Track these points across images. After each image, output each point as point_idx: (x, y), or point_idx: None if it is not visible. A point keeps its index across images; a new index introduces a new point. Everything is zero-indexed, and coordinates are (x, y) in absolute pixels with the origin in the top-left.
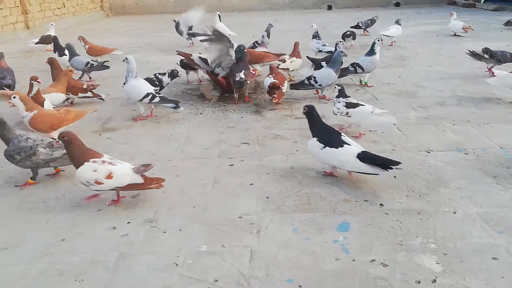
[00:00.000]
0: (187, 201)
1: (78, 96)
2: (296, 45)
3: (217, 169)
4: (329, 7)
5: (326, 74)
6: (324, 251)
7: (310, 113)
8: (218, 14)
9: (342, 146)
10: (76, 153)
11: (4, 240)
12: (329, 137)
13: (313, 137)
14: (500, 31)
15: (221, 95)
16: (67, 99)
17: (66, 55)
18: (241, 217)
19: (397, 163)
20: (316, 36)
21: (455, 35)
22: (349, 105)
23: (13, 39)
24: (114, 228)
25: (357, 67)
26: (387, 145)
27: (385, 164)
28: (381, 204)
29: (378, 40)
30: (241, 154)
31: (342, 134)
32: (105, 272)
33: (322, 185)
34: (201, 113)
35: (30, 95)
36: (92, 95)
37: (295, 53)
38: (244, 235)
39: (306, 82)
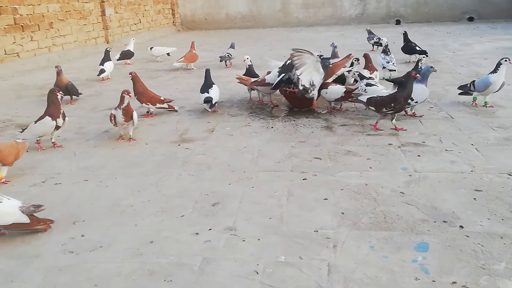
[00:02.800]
0: (263, 212)
1: (156, 106)
2: (367, 56)
3: (291, 183)
4: (398, 22)
5: (421, 90)
6: (403, 270)
7: None
8: (133, 40)
9: None
10: None
11: (99, 240)
12: None
13: None
14: None
15: (291, 110)
16: (147, 110)
17: None
18: (317, 231)
19: None
20: (384, 51)
21: None
22: (368, 84)
23: (95, 53)
24: (197, 234)
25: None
26: (465, 165)
27: None
28: (461, 226)
29: (505, 60)
30: (314, 169)
31: None
32: (191, 275)
33: (398, 204)
34: (272, 127)
35: (122, 107)
36: (168, 107)
37: (369, 65)
38: (321, 248)
39: None
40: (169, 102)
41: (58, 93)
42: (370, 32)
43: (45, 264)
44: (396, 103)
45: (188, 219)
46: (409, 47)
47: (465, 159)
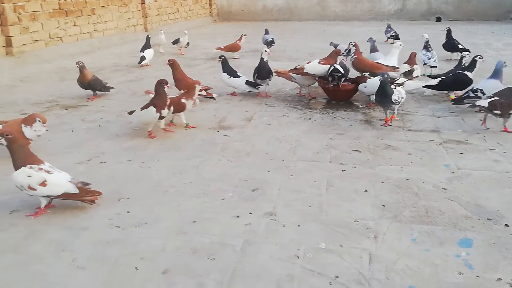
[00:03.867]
0: (302, 200)
1: None
2: (412, 55)
3: (330, 173)
4: (438, 19)
5: (494, 85)
6: (446, 264)
7: None
8: (161, 31)
9: None
10: (16, 155)
11: (143, 217)
12: None
13: None
14: None
15: (328, 102)
16: None
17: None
18: (357, 221)
19: None
20: (426, 47)
21: None
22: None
23: (134, 40)
24: (238, 216)
25: None
26: (510, 165)
27: None
28: (506, 225)
29: None
30: (353, 161)
31: None
32: (234, 255)
33: (440, 199)
34: (309, 119)
35: (193, 98)
36: (206, 94)
37: (410, 61)
38: (361, 238)
39: (472, 94)
40: (208, 89)
41: (165, 85)
42: (388, 27)
43: (93, 237)
44: None
45: (229, 202)
46: (451, 45)
47: (510, 158)
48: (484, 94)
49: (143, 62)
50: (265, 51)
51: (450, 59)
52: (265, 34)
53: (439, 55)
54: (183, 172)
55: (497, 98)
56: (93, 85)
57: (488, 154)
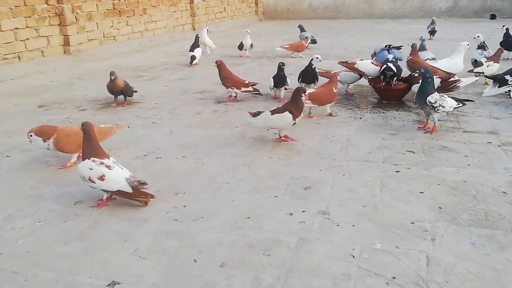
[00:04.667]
0: (356, 200)
1: (241, 90)
2: (499, 51)
3: (383, 174)
4: (493, 17)
5: None
6: (507, 269)
7: None
8: (206, 28)
9: None
10: (86, 147)
11: (200, 211)
12: None
13: None
14: None
15: (379, 102)
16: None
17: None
18: (414, 223)
19: None
20: (481, 47)
21: None
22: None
23: (182, 39)
24: (291, 214)
25: None
26: None
27: None
28: None
29: None
30: (407, 162)
31: None
32: (289, 251)
33: (500, 203)
34: (360, 118)
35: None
36: (253, 90)
37: (494, 57)
38: (418, 240)
39: None
40: (254, 85)
41: (304, 95)
42: (432, 22)
43: (153, 228)
44: None
45: (282, 200)
46: (509, 43)
47: None
48: None
49: (193, 62)
50: (317, 58)
51: (507, 58)
52: (301, 31)
53: None
54: (236, 168)
55: None
56: (125, 92)
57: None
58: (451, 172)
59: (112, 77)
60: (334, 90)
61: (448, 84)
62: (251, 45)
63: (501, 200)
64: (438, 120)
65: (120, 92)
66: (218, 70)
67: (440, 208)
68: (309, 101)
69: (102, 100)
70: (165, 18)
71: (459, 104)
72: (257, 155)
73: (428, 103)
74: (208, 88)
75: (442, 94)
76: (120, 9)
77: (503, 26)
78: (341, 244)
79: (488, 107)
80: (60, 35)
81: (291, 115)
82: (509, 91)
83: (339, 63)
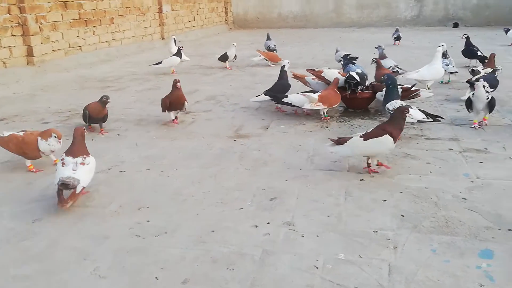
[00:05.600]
0: (321, 210)
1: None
2: (492, 57)
3: (348, 183)
4: (455, 25)
5: None
6: (466, 275)
7: None
8: (174, 38)
9: None
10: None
11: (163, 226)
12: None
13: None
14: None
15: (345, 110)
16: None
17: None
18: (376, 232)
19: None
20: (443, 55)
21: None
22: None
23: (150, 48)
24: (256, 226)
25: None
26: None
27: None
28: None
29: None
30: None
31: None
32: (253, 265)
33: (460, 209)
34: (327, 127)
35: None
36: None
37: (490, 63)
38: (380, 249)
39: None
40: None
41: (407, 112)
42: (396, 30)
43: (114, 245)
44: None
45: (247, 212)
46: (470, 51)
47: None
48: None
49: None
50: (288, 62)
51: (468, 66)
52: (267, 39)
53: (458, 61)
54: (202, 181)
55: None
56: (104, 119)
57: (508, 163)
58: (413, 180)
59: (108, 100)
60: (338, 93)
61: (408, 93)
62: (235, 56)
63: (461, 206)
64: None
65: (101, 119)
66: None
67: (402, 215)
68: (320, 103)
69: (66, 112)
70: (133, 28)
71: (427, 118)
72: (224, 166)
73: (386, 109)
74: None
75: (407, 104)
76: (86, 19)
77: (463, 35)
78: (305, 256)
79: (450, 114)
80: (23, 46)
81: (392, 138)
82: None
83: (307, 70)
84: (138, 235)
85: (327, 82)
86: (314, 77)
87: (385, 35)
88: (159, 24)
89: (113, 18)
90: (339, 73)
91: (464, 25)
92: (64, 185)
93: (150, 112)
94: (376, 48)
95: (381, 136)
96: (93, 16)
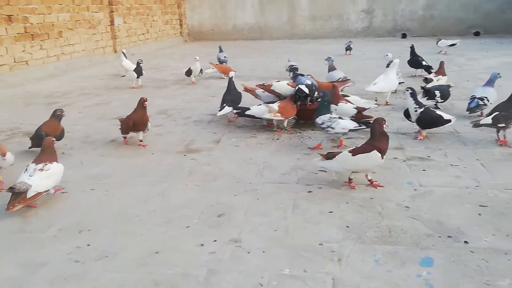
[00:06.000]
0: (269, 224)
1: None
2: (441, 64)
3: (296, 195)
4: (404, 36)
5: (492, 92)
6: (408, 284)
7: None
8: (123, 52)
9: None
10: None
11: (104, 249)
12: None
13: None
14: None
15: (296, 122)
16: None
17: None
18: (322, 244)
19: None
20: (389, 65)
21: None
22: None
23: (103, 62)
24: (202, 245)
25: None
26: (471, 181)
27: None
28: (465, 242)
29: None
30: (319, 182)
31: None
32: (197, 286)
33: (403, 218)
34: (277, 139)
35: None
36: None
37: (440, 70)
38: (325, 262)
39: (481, 103)
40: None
41: (384, 124)
42: (349, 41)
43: (51, 273)
44: None
45: (194, 230)
46: (415, 61)
47: (471, 174)
48: (488, 101)
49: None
50: (235, 73)
51: (415, 75)
52: (219, 52)
53: (404, 71)
54: (148, 199)
55: (497, 112)
56: (61, 136)
57: (449, 170)
58: (359, 190)
59: (63, 114)
60: (294, 105)
61: (360, 117)
62: (201, 70)
63: (404, 215)
64: (349, 138)
65: (58, 138)
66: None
67: (347, 227)
68: (279, 114)
69: (8, 131)
70: (83, 41)
71: (360, 126)
72: (173, 182)
73: (316, 123)
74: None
75: (335, 116)
76: (32, 33)
77: (410, 45)
78: (251, 273)
79: (396, 123)
80: None
81: (379, 154)
82: (436, 104)
83: (257, 86)
84: (77, 261)
85: (277, 95)
86: (264, 91)
87: (338, 46)
88: (111, 37)
89: (61, 31)
90: (288, 84)
91: (411, 36)
92: (11, 189)
93: (98, 128)
94: (326, 59)
95: (370, 152)
96: (40, 29)
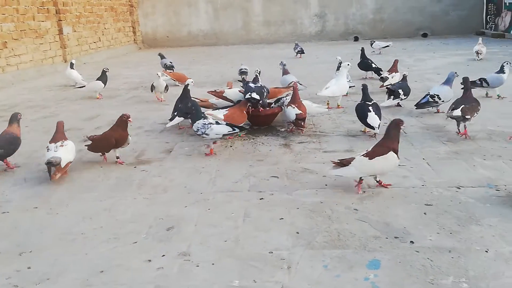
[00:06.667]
0: (219, 235)
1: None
2: (395, 62)
3: (248, 203)
4: (356, 39)
5: (447, 91)
6: None
7: None
8: (71, 62)
9: None
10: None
11: (47, 271)
12: None
13: None
14: None
15: (250, 128)
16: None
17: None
18: (272, 252)
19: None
20: (339, 68)
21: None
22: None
23: (52, 72)
24: (150, 260)
25: (483, 82)
26: (417, 180)
27: None
28: (411, 241)
29: (507, 63)
30: (271, 188)
31: None
32: None
33: (352, 221)
34: (231, 146)
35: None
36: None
37: (393, 68)
38: (275, 270)
39: (431, 100)
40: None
41: (402, 126)
42: (296, 44)
43: None
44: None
45: (141, 246)
46: (365, 64)
47: (417, 173)
48: (440, 99)
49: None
50: (192, 82)
51: (365, 78)
52: (162, 59)
53: (355, 74)
54: (94, 216)
55: (464, 105)
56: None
57: (397, 171)
58: (310, 194)
59: (20, 116)
60: (244, 112)
61: (296, 124)
62: (166, 87)
63: (352, 217)
64: (301, 142)
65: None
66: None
67: (297, 233)
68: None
69: None
70: (30, 51)
71: (234, 130)
72: (121, 196)
73: (193, 130)
74: (76, 125)
75: (209, 122)
76: None
77: (361, 49)
78: (199, 287)
79: (346, 126)
80: None
81: (395, 154)
82: (398, 102)
83: (208, 92)
84: (16, 285)
85: (231, 101)
86: (217, 98)
87: (293, 51)
88: (61, 47)
89: (6, 42)
90: (240, 91)
91: (363, 39)
92: (49, 163)
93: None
94: (280, 64)
95: (386, 153)
96: None
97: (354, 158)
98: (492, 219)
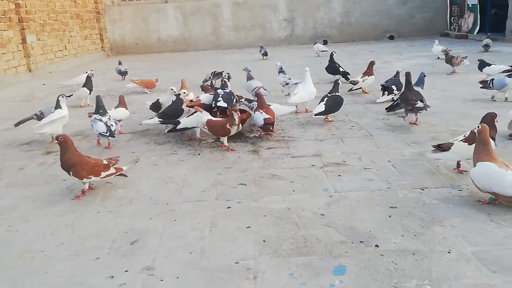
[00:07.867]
0: (184, 247)
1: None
2: (371, 64)
3: (214, 212)
4: (325, 42)
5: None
6: None
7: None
8: None
9: None
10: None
11: None
12: None
13: None
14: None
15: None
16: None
17: None
18: (238, 263)
19: None
20: (281, 71)
21: (438, 58)
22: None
23: (16, 82)
24: (112, 277)
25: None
26: (382, 183)
27: None
28: (376, 245)
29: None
30: (238, 196)
31: None
32: None
33: (318, 226)
34: (199, 154)
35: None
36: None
37: (368, 71)
38: (241, 281)
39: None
40: (115, 163)
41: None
42: (261, 47)
43: None
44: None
45: (104, 261)
46: (332, 68)
47: (382, 176)
48: None
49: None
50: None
51: (332, 81)
52: (118, 65)
53: (323, 78)
54: (55, 231)
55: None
56: None
57: (363, 174)
58: (277, 201)
59: None
60: (228, 126)
61: (265, 129)
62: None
63: (319, 223)
64: (270, 148)
65: None
66: (61, 150)
67: (264, 241)
68: (206, 127)
69: None
70: None
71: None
72: (84, 211)
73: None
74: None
75: (98, 118)
76: None
77: (331, 52)
78: None
79: (314, 130)
80: None
81: (492, 140)
82: (393, 97)
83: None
84: None
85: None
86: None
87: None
88: (24, 56)
89: None
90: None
91: (332, 42)
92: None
93: (6, 156)
94: (244, 69)
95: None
96: None
97: (453, 143)
98: (455, 219)
